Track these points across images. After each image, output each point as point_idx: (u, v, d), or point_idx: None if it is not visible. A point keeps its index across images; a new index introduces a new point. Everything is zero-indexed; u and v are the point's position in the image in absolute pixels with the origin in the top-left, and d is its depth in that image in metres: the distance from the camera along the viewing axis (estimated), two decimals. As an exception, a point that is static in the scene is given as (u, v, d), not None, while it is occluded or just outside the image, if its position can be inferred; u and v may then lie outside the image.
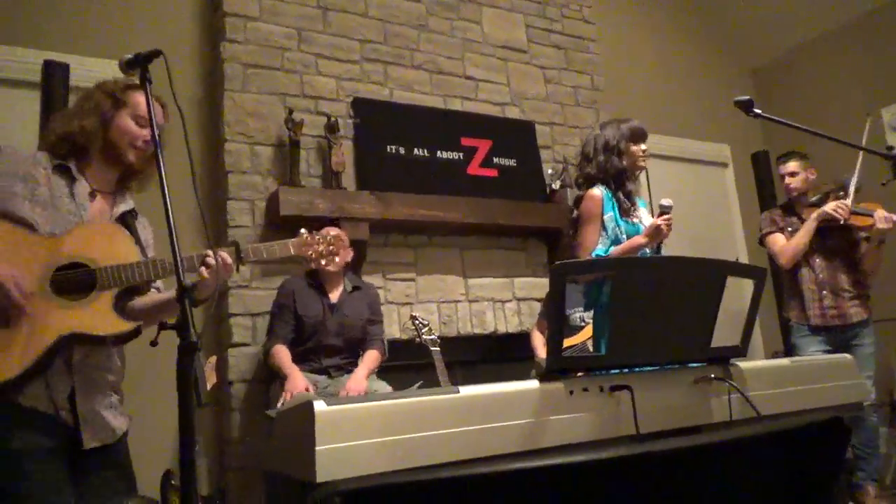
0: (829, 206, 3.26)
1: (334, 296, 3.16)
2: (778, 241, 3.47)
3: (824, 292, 3.37)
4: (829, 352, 3.26)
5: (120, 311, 1.68)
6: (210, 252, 1.71)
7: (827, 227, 3.31)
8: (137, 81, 1.64)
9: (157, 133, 1.52)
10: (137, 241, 1.79)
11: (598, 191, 2.55)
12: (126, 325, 1.67)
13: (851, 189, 3.28)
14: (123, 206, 1.85)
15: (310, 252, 1.91)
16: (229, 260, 1.74)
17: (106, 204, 1.82)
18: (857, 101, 5.13)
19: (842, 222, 3.23)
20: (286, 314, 3.06)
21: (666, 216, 2.43)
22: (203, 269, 1.69)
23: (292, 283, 3.16)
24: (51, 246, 1.63)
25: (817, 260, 3.40)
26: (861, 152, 3.16)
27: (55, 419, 1.61)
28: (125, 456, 1.79)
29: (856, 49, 5.37)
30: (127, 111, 1.78)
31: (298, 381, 2.82)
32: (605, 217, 2.49)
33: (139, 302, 1.81)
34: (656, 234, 2.40)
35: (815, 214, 3.31)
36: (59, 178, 1.72)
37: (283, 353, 2.97)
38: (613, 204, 2.54)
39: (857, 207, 3.26)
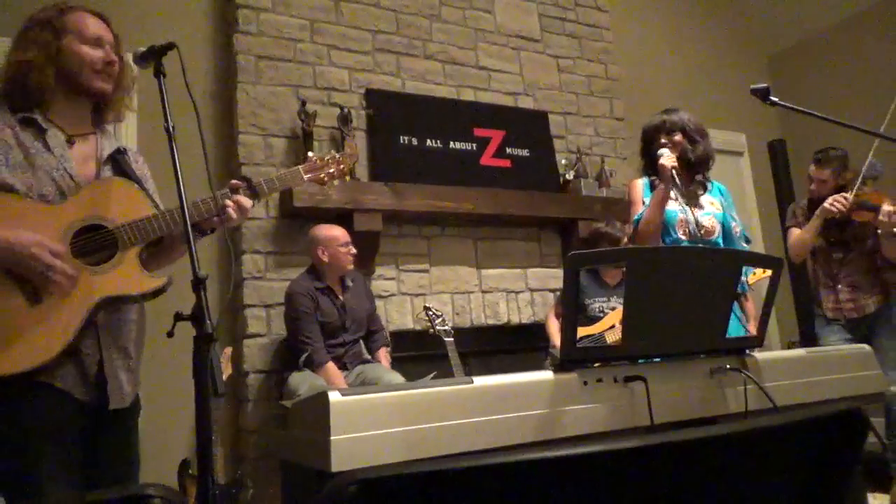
0: (827, 201, 3.12)
1: (341, 294, 3.20)
2: (792, 235, 3.44)
3: (840, 286, 3.32)
4: (850, 342, 3.19)
5: (145, 267, 1.61)
6: (228, 200, 1.67)
7: (839, 220, 3.20)
8: (69, 3, 1.61)
9: (170, 126, 1.50)
10: (141, 186, 1.67)
11: (639, 180, 2.69)
12: (157, 281, 1.59)
13: (858, 181, 3.13)
14: (108, 148, 1.69)
15: (322, 175, 1.86)
16: (247, 203, 1.70)
17: (88, 148, 1.66)
18: (876, 87, 5.05)
19: (837, 216, 3.11)
20: (312, 319, 3.06)
21: (661, 151, 2.43)
22: (230, 210, 1.67)
23: (303, 287, 3.11)
24: (59, 213, 1.50)
25: (833, 253, 3.35)
26: (877, 141, 3.05)
27: (75, 397, 1.52)
28: (134, 422, 1.71)
29: (875, 35, 5.28)
30: (71, 36, 1.61)
31: None
32: (646, 200, 2.62)
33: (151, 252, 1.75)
34: (662, 173, 2.41)
35: (818, 211, 3.21)
36: (26, 132, 1.56)
37: (335, 374, 2.98)
38: (651, 193, 2.63)
39: (863, 199, 3.09)
